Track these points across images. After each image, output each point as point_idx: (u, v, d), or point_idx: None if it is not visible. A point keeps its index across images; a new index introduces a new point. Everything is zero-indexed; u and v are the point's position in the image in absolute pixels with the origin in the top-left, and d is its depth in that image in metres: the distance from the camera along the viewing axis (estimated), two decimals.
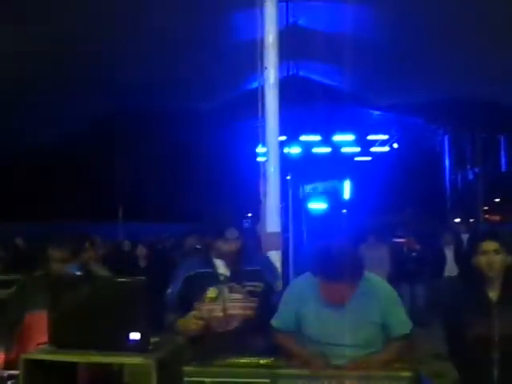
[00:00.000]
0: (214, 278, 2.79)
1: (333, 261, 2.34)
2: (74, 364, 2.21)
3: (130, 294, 2.18)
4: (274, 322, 2.62)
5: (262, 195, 3.35)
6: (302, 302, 2.55)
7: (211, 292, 2.74)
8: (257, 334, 2.70)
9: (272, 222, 3.21)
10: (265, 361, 2.11)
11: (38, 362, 2.13)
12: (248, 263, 2.83)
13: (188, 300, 2.77)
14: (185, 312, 2.73)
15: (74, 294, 2.23)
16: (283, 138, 10.16)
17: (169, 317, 2.76)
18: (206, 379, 2.12)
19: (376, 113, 16.07)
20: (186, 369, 2.11)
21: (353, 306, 2.47)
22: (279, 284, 2.88)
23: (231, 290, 2.76)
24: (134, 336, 2.14)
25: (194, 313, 2.70)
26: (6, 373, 2.53)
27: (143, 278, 2.22)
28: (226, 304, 2.74)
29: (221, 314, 2.73)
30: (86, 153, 14.90)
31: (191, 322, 2.65)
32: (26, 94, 9.98)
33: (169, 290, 2.83)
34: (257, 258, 2.94)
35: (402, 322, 2.57)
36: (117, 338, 2.15)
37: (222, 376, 2.09)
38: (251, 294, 2.76)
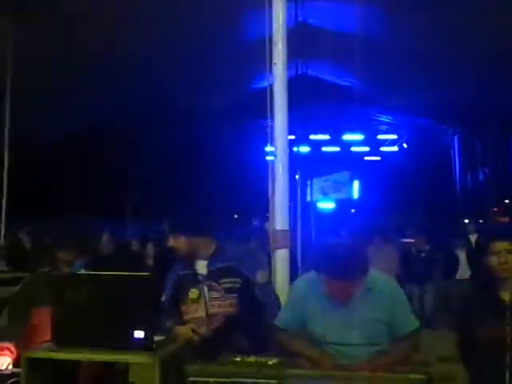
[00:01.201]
0: (194, 279, 2.80)
1: (337, 258, 2.31)
2: (77, 362, 2.18)
3: (134, 292, 2.14)
4: (278, 321, 2.58)
5: (271, 193, 3.32)
6: (306, 300, 2.51)
7: (193, 293, 2.76)
8: (239, 331, 2.70)
9: (280, 220, 3.17)
10: (272, 360, 2.06)
11: (40, 361, 2.10)
12: (221, 260, 2.84)
13: (177, 303, 2.81)
14: (176, 316, 2.76)
15: (77, 293, 2.20)
16: (292, 137, 10.13)
17: (166, 322, 2.76)
18: (210, 379, 2.07)
19: (385, 114, 15.99)
20: (191, 368, 2.07)
21: (358, 303, 2.42)
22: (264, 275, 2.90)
23: (210, 289, 2.77)
24: (138, 334, 2.10)
25: (190, 325, 2.71)
26: (10, 370, 2.51)
27: (148, 275, 2.19)
28: (207, 304, 2.76)
29: (203, 314, 2.75)
30: (97, 151, 14.94)
31: (188, 334, 2.66)
32: (36, 93, 10.04)
33: (163, 298, 2.85)
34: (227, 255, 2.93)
35: (408, 320, 2.53)
36: (121, 337, 2.12)
37: (227, 376, 2.05)
38: (228, 290, 2.76)
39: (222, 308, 2.75)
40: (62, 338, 2.21)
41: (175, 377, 2.04)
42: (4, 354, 2.66)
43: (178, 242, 2.80)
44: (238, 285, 2.78)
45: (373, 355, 2.36)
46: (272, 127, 3.63)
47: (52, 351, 2.15)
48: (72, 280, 2.33)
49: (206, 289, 2.77)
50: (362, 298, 2.42)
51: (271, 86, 3.49)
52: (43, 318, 2.63)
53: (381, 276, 2.56)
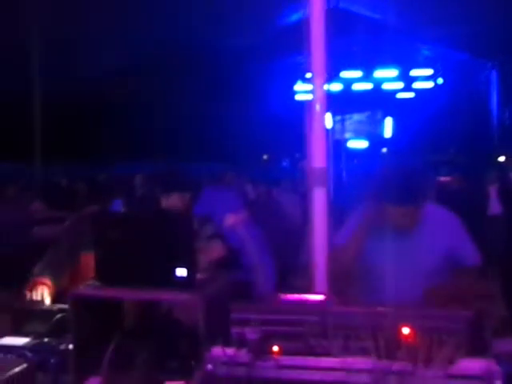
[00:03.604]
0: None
1: (398, 182, 2.28)
2: (120, 300, 2.21)
3: (175, 230, 2.14)
4: (337, 239, 2.59)
5: (308, 131, 3.24)
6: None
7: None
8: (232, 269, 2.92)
9: (318, 157, 3.12)
10: (314, 297, 2.06)
11: (85, 298, 2.14)
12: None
13: None
14: None
15: (119, 231, 2.21)
16: None
17: None
18: (252, 315, 2.09)
19: (420, 47, 15.38)
20: (233, 305, 2.08)
21: (417, 234, 2.39)
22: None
23: (206, 239, 2.97)
24: (181, 272, 2.11)
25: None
26: (57, 306, 2.58)
27: (189, 211, 2.18)
28: (207, 252, 2.90)
29: (205, 265, 2.84)
30: (125, 92, 14.90)
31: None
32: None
33: None
34: None
35: (472, 252, 2.48)
36: (163, 275, 2.13)
37: (269, 313, 2.05)
38: (210, 236, 2.97)
39: (215, 253, 2.94)
40: (105, 277, 2.24)
41: (218, 314, 2.06)
42: (41, 285, 2.74)
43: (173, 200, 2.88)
44: (213, 229, 3.01)
45: (428, 288, 2.34)
46: (306, 64, 3.49)
47: (95, 289, 2.19)
48: (114, 218, 2.34)
49: (204, 240, 2.93)
50: (422, 230, 2.38)
51: (307, 18, 3.32)
52: (89, 262, 2.67)
53: (441, 209, 2.52)
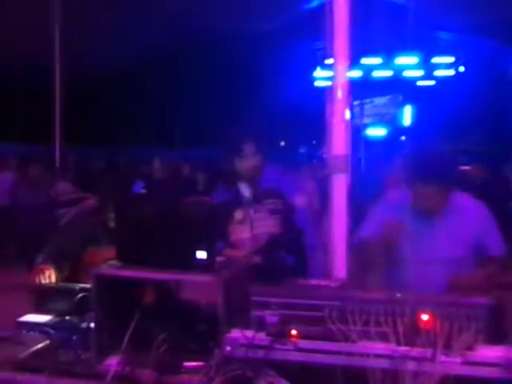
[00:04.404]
0: (238, 202, 2.89)
1: (429, 162, 2.27)
2: (139, 281, 2.24)
3: (196, 214, 2.16)
4: (362, 232, 2.59)
5: (329, 118, 3.22)
6: (393, 211, 2.47)
7: (238, 214, 2.85)
8: (282, 250, 2.83)
9: (339, 144, 3.11)
10: (335, 283, 2.07)
11: (107, 278, 2.18)
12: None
13: (218, 227, 2.86)
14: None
15: (139, 213, 2.23)
16: None
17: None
18: (271, 299, 2.10)
19: (443, 34, 15.14)
20: (253, 288, 2.10)
21: (445, 219, 2.38)
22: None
23: (255, 210, 2.87)
24: (201, 255, 2.13)
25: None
26: (79, 285, 2.63)
27: (209, 197, 2.20)
28: (253, 224, 2.83)
29: (248, 235, 2.83)
30: (143, 78, 14.92)
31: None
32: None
33: None
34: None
35: (497, 242, 2.46)
36: (183, 257, 2.16)
37: (289, 297, 2.07)
38: (271, 211, 2.88)
39: (267, 228, 2.86)
40: (126, 258, 2.27)
41: (238, 297, 2.08)
42: (46, 270, 2.78)
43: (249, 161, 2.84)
44: (280, 206, 2.90)
45: (452, 275, 2.33)
46: (326, 50, 3.46)
47: (118, 269, 2.22)
48: (135, 199, 2.37)
49: (251, 210, 2.86)
50: (449, 216, 2.37)
51: (329, 3, 3.29)
52: (95, 258, 2.68)
53: (469, 197, 2.51)
